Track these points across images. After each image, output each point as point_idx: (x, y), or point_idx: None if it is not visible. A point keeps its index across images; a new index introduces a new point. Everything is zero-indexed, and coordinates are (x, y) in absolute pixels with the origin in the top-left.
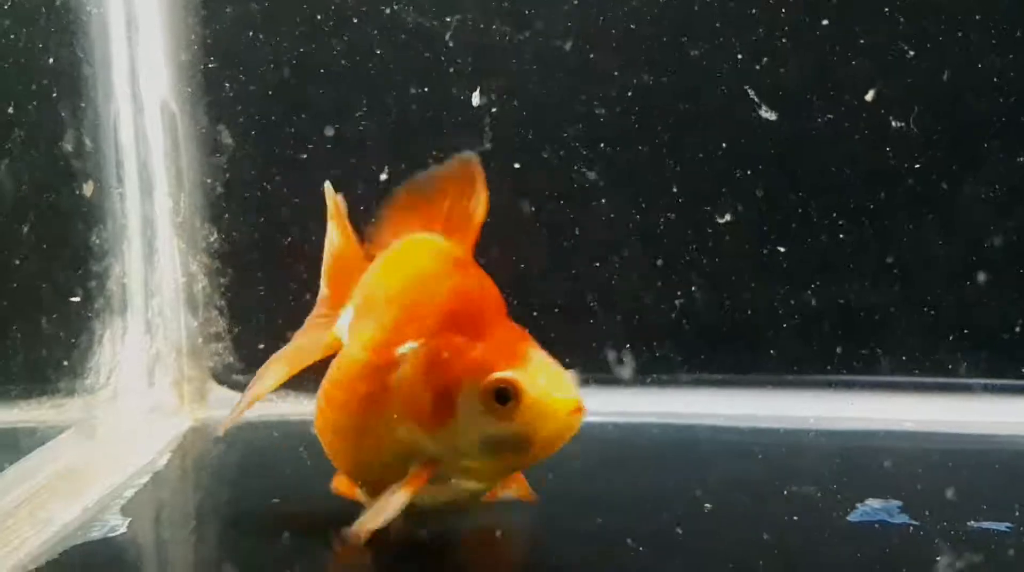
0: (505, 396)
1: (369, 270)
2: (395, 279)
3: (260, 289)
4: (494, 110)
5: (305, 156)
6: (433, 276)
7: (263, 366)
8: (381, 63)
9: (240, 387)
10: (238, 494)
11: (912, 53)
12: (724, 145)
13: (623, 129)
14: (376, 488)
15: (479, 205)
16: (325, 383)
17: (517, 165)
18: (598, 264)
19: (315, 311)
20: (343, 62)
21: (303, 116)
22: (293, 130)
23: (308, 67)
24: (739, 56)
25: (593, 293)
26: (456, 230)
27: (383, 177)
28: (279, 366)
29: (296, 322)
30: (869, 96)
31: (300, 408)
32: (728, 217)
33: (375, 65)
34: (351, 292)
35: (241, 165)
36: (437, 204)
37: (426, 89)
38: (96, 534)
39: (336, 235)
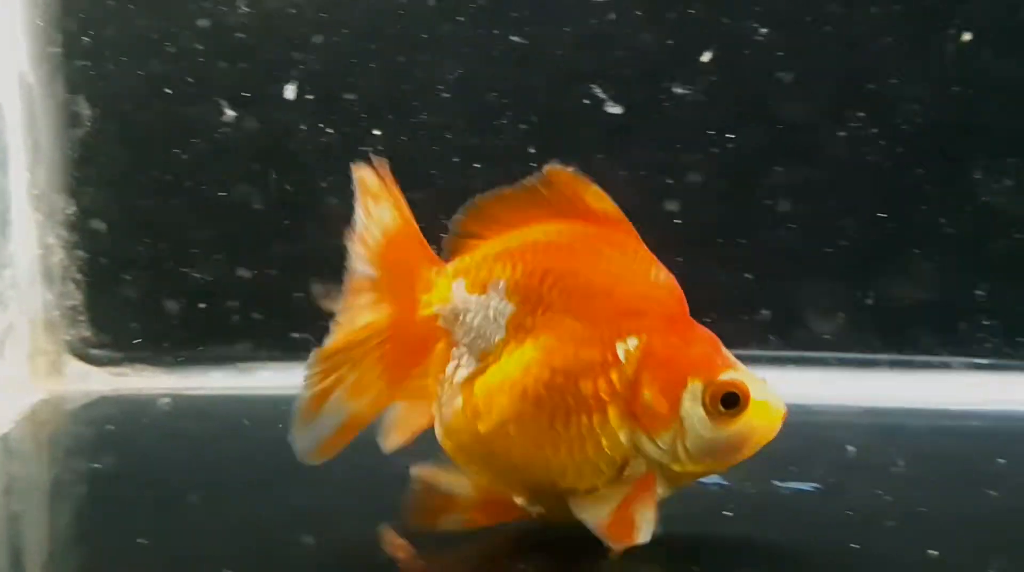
0: (732, 400)
1: (517, 249)
2: (595, 267)
3: (118, 262)
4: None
5: (164, 128)
6: (634, 266)
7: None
8: (241, 32)
9: (96, 361)
10: (77, 466)
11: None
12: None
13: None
14: (556, 508)
15: (595, 197)
16: (484, 387)
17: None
18: None
19: (358, 298)
20: (202, 33)
21: (162, 88)
22: (152, 102)
23: (167, 38)
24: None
25: None
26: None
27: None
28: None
29: (153, 294)
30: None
31: (154, 382)
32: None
33: (235, 35)
34: (416, 274)
35: (99, 137)
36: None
37: (283, 56)
38: None
39: (392, 213)
